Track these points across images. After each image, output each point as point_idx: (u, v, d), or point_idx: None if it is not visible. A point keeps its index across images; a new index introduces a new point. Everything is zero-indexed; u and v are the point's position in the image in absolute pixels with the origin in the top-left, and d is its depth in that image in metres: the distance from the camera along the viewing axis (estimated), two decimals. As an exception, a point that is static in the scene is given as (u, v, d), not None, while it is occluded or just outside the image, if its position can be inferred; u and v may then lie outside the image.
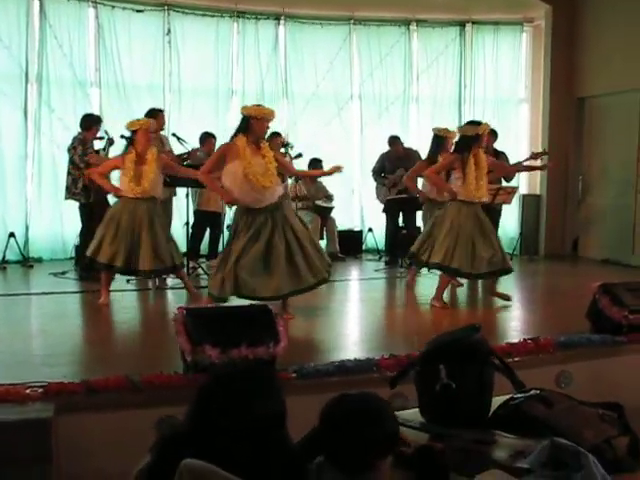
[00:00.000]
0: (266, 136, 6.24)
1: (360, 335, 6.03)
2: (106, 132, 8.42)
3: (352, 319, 6.82)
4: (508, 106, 11.89)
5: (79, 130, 8.32)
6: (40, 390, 3.90)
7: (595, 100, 10.99)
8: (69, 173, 8.23)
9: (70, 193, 8.24)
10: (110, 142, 8.41)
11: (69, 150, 8.23)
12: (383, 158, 10.01)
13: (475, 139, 6.83)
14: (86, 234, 8.28)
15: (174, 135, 8.50)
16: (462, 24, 11.64)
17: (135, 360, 4.92)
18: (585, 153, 11.25)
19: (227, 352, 4.08)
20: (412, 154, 9.78)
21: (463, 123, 7.14)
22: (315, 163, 10.03)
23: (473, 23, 11.65)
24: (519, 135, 11.81)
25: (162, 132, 8.57)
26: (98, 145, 8.43)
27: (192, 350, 4.07)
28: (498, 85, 11.78)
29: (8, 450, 3.42)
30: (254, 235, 5.87)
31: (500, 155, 9.64)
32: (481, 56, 11.71)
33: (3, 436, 3.46)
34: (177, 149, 8.69)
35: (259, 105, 6.16)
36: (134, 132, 6.95)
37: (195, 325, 4.13)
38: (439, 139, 7.89)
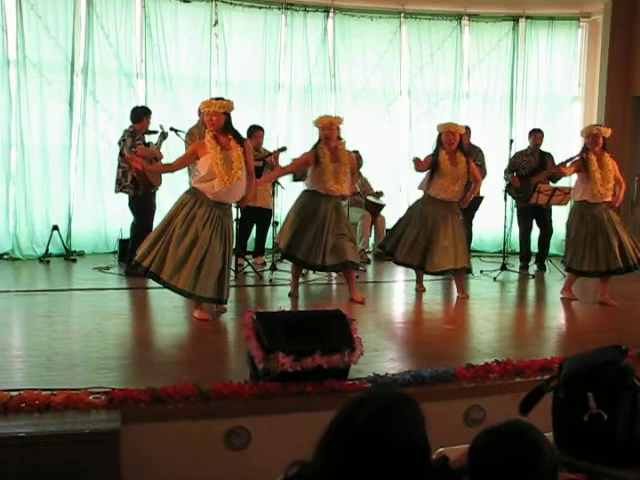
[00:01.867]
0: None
1: (425, 342, 5.71)
2: (161, 126, 8.21)
3: (413, 324, 6.50)
4: (561, 104, 11.51)
5: (130, 123, 8.11)
6: (104, 397, 3.66)
7: (653, 99, 10.61)
8: (119, 166, 8.03)
9: (120, 186, 8.05)
10: (164, 136, 8.20)
11: (119, 143, 8.05)
12: None
13: (589, 140, 7.27)
14: (137, 228, 8.10)
15: (172, 129, 8.21)
16: (516, 19, 11.25)
17: (196, 365, 4.66)
18: (642, 154, 10.87)
19: (301, 360, 3.82)
20: (474, 151, 9.47)
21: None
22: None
23: (527, 18, 11.25)
24: (571, 134, 11.42)
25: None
26: (150, 138, 8.22)
27: (264, 357, 3.81)
28: (551, 82, 11.38)
29: (75, 462, 3.19)
30: (204, 227, 5.87)
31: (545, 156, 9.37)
32: (535, 52, 11.32)
33: (70, 448, 3.23)
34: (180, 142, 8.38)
35: (215, 99, 6.20)
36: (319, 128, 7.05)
37: (267, 331, 3.87)
38: (438, 135, 7.60)
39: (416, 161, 7.43)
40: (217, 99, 6.21)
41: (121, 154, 8.00)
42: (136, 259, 6.07)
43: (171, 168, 6.60)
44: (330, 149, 6.93)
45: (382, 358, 4.85)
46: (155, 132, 8.23)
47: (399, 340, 5.75)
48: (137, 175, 7.84)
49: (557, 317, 7.01)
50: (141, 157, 7.79)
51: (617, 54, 10.71)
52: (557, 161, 8.90)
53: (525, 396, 2.27)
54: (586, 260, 7.19)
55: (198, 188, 6.01)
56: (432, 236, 7.30)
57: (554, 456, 1.84)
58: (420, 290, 7.70)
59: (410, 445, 1.75)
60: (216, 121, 5.90)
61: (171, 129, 8.08)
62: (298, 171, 7.42)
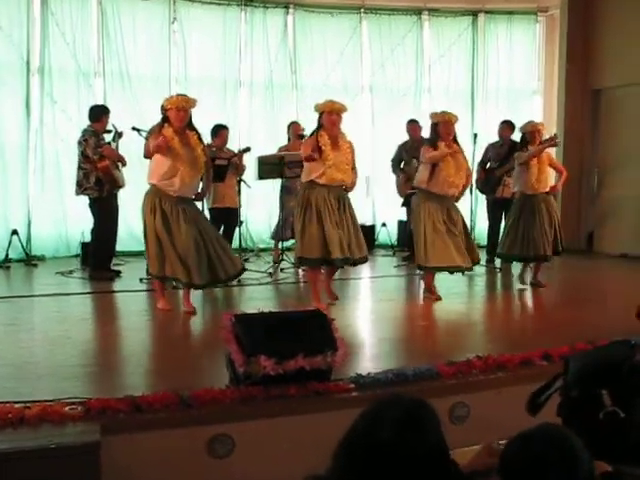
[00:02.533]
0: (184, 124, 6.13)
1: (403, 340, 5.64)
2: (113, 125, 8.02)
3: (386, 321, 6.35)
4: (521, 97, 11.61)
5: (88, 123, 7.90)
6: (80, 408, 3.51)
7: (611, 92, 10.74)
8: (80, 167, 7.80)
9: (82, 188, 7.81)
10: (119, 135, 8.02)
11: (80, 143, 7.81)
12: (400, 149, 9.66)
13: (530, 135, 7.65)
14: (99, 231, 7.90)
15: (134, 129, 8.02)
16: (475, 13, 11.34)
17: (170, 371, 4.53)
18: (601, 146, 10.99)
19: (283, 363, 3.73)
20: None
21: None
22: None
23: (486, 12, 11.35)
24: (532, 127, 11.50)
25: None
26: (106, 138, 8.02)
27: (245, 361, 3.70)
28: (511, 76, 11.51)
29: (54, 478, 3.04)
30: (177, 223, 6.00)
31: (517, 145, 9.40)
32: (494, 46, 11.44)
33: (47, 464, 3.07)
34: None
35: (180, 95, 6.26)
36: (321, 114, 6.46)
37: (246, 333, 3.77)
38: (432, 125, 7.12)
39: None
40: (181, 95, 6.23)
41: (83, 154, 7.78)
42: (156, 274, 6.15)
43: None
44: (331, 137, 6.40)
45: (359, 357, 4.76)
46: (109, 131, 8.04)
47: (374, 338, 5.66)
48: (103, 175, 7.66)
49: (529, 309, 7.03)
50: (108, 157, 7.65)
51: (575, 48, 10.82)
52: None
53: (531, 396, 2.21)
54: (517, 246, 7.68)
55: (158, 185, 6.07)
56: (452, 232, 6.89)
57: (591, 460, 1.76)
58: (435, 298, 6.98)
59: (431, 452, 1.68)
60: (184, 117, 6.02)
61: (133, 129, 7.83)
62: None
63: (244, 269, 6.74)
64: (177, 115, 5.98)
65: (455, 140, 7.03)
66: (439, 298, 6.93)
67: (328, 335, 3.94)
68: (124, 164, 8.01)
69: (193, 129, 6.19)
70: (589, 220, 11.14)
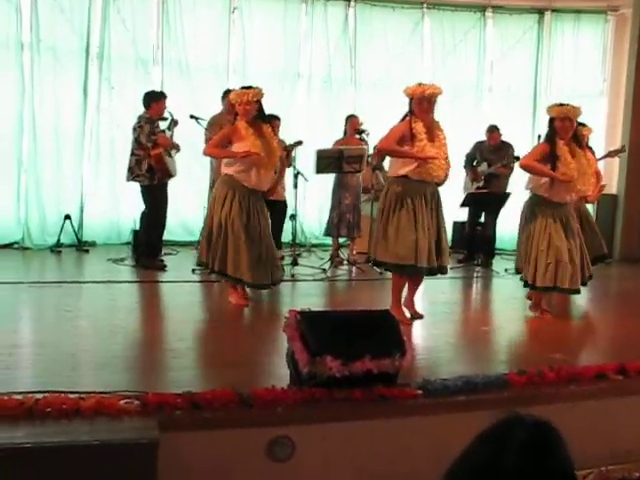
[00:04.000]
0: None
1: (467, 345, 5.39)
2: (170, 113, 7.90)
3: (451, 325, 6.07)
4: (586, 100, 11.13)
5: (144, 109, 7.77)
6: (136, 402, 3.35)
7: (682, 95, 10.31)
8: (133, 154, 7.68)
9: (133, 175, 7.69)
10: (175, 123, 7.90)
11: (134, 129, 7.67)
12: (476, 147, 9.43)
13: None
14: (150, 218, 7.79)
15: (192, 117, 7.87)
16: (541, 12, 10.96)
17: (227, 367, 4.35)
18: (669, 151, 10.56)
19: (349, 365, 3.54)
20: (505, 148, 9.20)
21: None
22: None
23: (553, 11, 10.95)
24: (597, 131, 11.09)
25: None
26: (162, 126, 7.90)
27: (310, 361, 3.52)
28: (576, 77, 11.08)
29: (109, 476, 2.89)
30: (249, 217, 5.87)
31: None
32: (560, 46, 11.02)
33: (102, 459, 2.93)
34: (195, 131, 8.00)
35: (243, 88, 6.09)
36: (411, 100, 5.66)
37: (312, 332, 3.58)
38: (549, 120, 6.14)
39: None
40: (247, 88, 6.08)
41: (137, 141, 7.66)
42: (198, 262, 6.16)
43: (212, 151, 6.29)
44: (426, 125, 5.61)
45: (422, 362, 4.55)
46: (165, 119, 7.92)
47: (436, 342, 5.42)
48: (155, 163, 7.54)
49: (592, 320, 6.73)
50: (161, 145, 7.54)
51: (646, 48, 10.41)
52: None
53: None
54: None
55: (235, 177, 5.91)
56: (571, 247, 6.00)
57: None
58: (545, 314, 6.18)
59: (560, 477, 1.47)
60: (249, 109, 5.89)
61: (191, 117, 7.77)
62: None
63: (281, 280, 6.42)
64: (242, 109, 5.90)
65: (575, 139, 6.06)
66: (548, 312, 6.18)
67: (396, 337, 3.75)
68: (178, 150, 7.90)
69: (266, 121, 6.11)
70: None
